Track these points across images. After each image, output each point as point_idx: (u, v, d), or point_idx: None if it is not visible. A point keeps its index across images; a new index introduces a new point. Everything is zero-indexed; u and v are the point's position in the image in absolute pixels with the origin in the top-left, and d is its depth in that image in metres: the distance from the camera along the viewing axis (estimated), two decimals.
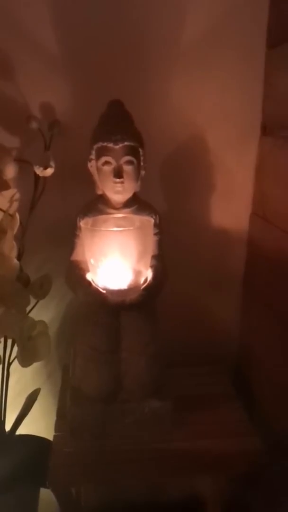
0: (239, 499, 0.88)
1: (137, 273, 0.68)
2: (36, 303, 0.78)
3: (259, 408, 0.84)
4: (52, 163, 0.73)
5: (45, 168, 0.73)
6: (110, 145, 0.67)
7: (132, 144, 0.67)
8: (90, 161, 0.70)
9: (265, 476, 0.78)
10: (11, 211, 0.73)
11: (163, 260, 0.74)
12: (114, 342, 0.69)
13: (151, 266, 0.72)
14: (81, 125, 0.72)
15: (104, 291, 0.69)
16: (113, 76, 0.79)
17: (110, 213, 0.72)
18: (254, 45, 0.81)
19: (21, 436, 0.83)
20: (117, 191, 0.69)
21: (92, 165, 0.70)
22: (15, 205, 0.74)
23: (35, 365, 0.76)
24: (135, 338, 0.70)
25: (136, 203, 0.72)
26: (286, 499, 0.76)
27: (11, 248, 0.73)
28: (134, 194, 0.72)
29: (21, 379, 0.90)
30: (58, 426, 0.74)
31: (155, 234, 0.73)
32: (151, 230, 0.70)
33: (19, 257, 0.76)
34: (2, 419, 0.80)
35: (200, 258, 0.91)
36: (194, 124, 0.84)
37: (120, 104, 0.70)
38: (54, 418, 0.77)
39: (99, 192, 0.72)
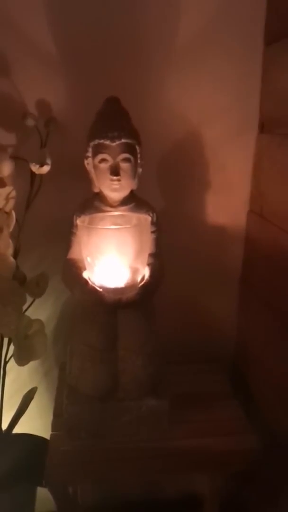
0: (236, 496, 0.88)
1: (134, 271, 0.68)
2: (32, 302, 0.77)
3: (256, 406, 0.84)
4: (48, 161, 0.73)
5: (42, 165, 0.72)
6: (107, 142, 0.66)
7: (129, 141, 0.67)
8: (86, 158, 0.69)
9: (262, 473, 0.79)
10: (7, 209, 0.73)
11: (160, 258, 0.74)
12: (111, 340, 0.69)
13: (148, 264, 0.71)
14: (78, 122, 0.72)
15: (100, 290, 0.68)
16: (109, 73, 0.79)
17: (107, 211, 0.71)
18: (252, 41, 0.81)
19: (17, 435, 0.83)
20: (114, 189, 0.69)
21: (88, 163, 0.69)
22: (11, 202, 0.73)
23: (32, 363, 0.76)
24: (132, 337, 0.69)
25: (133, 200, 0.72)
26: (283, 497, 0.76)
27: (7, 246, 0.73)
28: (131, 192, 0.72)
29: (18, 378, 0.89)
30: (55, 425, 0.74)
31: (152, 232, 0.72)
32: (148, 228, 0.70)
33: (15, 255, 0.76)
34: None
35: (197, 256, 0.90)
36: (192, 122, 0.83)
37: (117, 101, 0.69)
38: (51, 416, 0.76)
39: (96, 190, 0.72)
